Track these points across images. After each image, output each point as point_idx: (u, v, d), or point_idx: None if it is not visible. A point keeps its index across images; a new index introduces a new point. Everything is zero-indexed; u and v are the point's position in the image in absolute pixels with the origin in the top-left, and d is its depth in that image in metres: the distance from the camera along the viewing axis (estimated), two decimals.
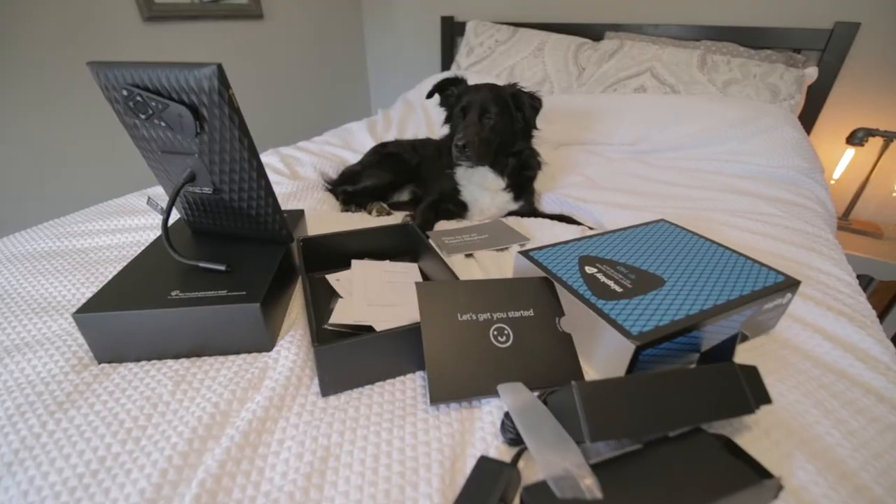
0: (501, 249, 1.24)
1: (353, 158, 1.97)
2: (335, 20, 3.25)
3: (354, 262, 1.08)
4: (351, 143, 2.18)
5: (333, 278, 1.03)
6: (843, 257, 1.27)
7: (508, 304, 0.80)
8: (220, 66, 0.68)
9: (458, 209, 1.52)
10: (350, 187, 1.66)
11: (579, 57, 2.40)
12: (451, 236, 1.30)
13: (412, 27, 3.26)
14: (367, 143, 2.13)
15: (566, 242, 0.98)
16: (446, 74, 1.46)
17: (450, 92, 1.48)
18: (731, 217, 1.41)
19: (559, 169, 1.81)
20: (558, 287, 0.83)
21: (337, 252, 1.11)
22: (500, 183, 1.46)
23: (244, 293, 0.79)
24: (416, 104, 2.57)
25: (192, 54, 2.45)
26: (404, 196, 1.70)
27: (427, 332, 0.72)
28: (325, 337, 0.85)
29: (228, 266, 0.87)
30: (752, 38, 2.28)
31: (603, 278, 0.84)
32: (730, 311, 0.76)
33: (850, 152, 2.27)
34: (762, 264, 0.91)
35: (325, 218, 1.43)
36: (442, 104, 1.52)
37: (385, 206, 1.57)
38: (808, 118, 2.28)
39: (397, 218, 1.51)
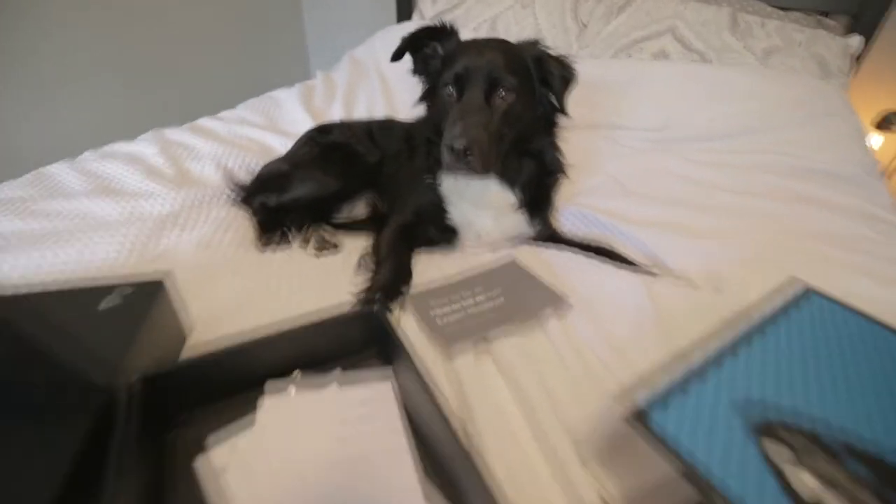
0: (527, 323, 0.74)
1: (282, 147, 1.34)
2: None
3: (267, 402, 0.53)
4: (277, 121, 1.53)
5: (220, 456, 0.48)
6: None
7: None
8: None
9: (443, 235, 0.99)
10: (273, 198, 1.07)
11: (579, 9, 1.86)
12: (444, 302, 0.77)
13: None
14: (302, 122, 1.50)
15: (702, 376, 0.50)
16: (422, 23, 0.87)
17: (430, 51, 0.91)
18: (830, 247, 1.00)
19: (571, 164, 1.30)
20: None
21: (236, 374, 0.56)
22: (510, 198, 0.94)
23: None
24: (369, 66, 1.93)
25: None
26: (358, 210, 1.13)
27: None
28: None
29: None
30: None
31: None
32: None
33: (879, 139, 1.96)
34: None
35: (224, 269, 0.85)
36: (417, 70, 0.94)
37: (328, 232, 1.00)
38: None
39: (350, 254, 0.95)
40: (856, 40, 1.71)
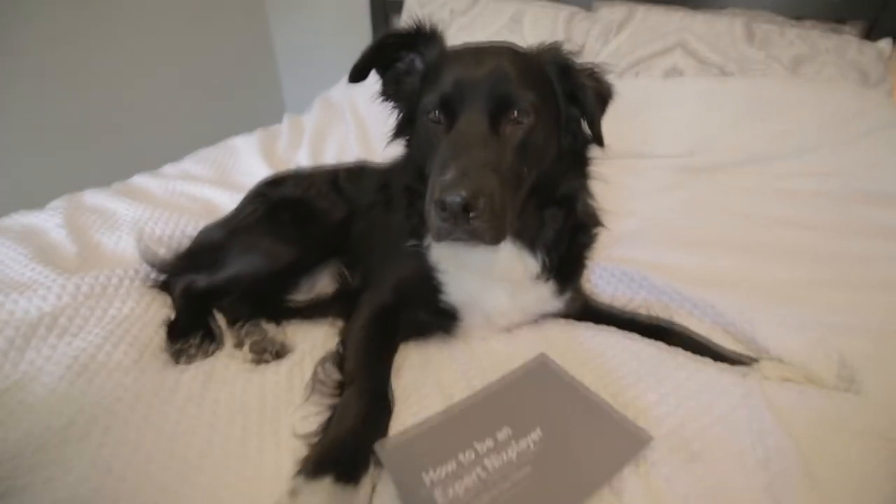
0: (591, 492, 0.43)
1: (232, 205, 1.05)
2: None
3: None
4: (230, 174, 1.25)
5: None
6: None
7: None
8: None
9: (438, 319, 0.69)
10: (203, 278, 0.77)
11: (573, 30, 1.65)
12: (446, 455, 0.46)
13: (332, 4, 2.35)
14: (260, 172, 1.22)
15: None
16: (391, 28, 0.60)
17: (405, 65, 0.64)
18: None
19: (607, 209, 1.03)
20: None
21: None
22: (531, 264, 0.65)
23: None
24: (343, 106, 1.69)
25: None
26: (321, 285, 0.83)
27: None
28: None
29: None
30: (788, 6, 1.66)
31: None
32: None
33: None
34: None
35: (94, 415, 0.53)
36: (387, 94, 0.67)
37: (272, 328, 0.69)
38: None
39: (304, 360, 0.64)
40: (886, 44, 1.50)
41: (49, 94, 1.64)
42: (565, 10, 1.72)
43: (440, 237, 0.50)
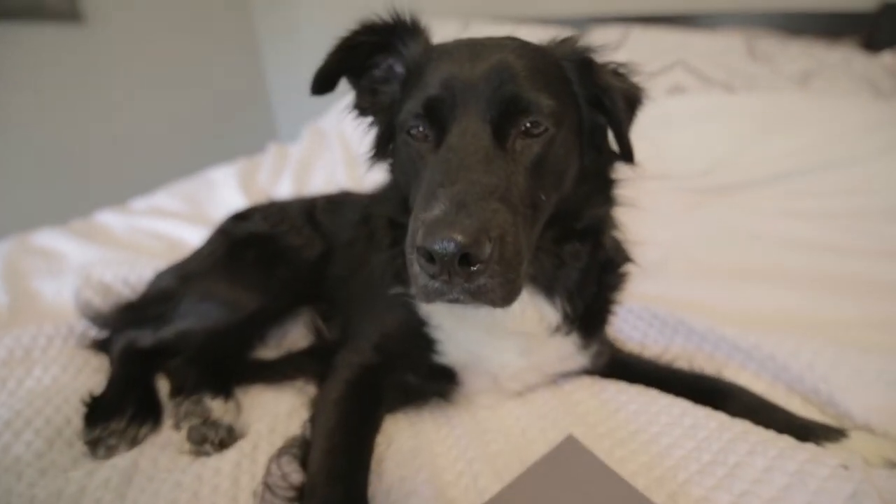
0: None
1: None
2: (204, 25, 2.16)
3: None
4: (203, 208, 1.11)
5: None
6: None
7: None
8: None
9: (432, 384, 0.53)
10: (148, 335, 0.61)
11: None
12: None
13: (324, 34, 2.28)
14: (236, 206, 1.08)
15: None
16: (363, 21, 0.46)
17: (382, 71, 0.51)
18: None
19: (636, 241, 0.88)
20: None
21: None
22: (551, 315, 0.49)
23: None
24: (331, 135, 1.57)
25: None
26: (292, 338, 0.67)
27: None
28: None
29: None
30: (782, 24, 1.59)
31: None
32: None
33: None
34: None
35: None
36: (361, 106, 0.53)
37: (219, 405, 0.53)
38: None
39: (258, 447, 0.47)
40: (891, 58, 1.40)
41: (37, 127, 1.54)
42: (560, 33, 1.64)
43: (428, 298, 0.35)
